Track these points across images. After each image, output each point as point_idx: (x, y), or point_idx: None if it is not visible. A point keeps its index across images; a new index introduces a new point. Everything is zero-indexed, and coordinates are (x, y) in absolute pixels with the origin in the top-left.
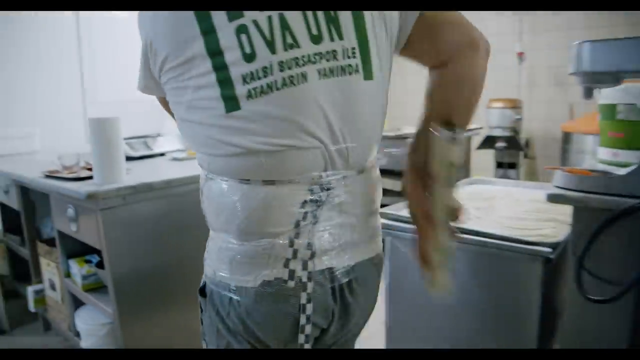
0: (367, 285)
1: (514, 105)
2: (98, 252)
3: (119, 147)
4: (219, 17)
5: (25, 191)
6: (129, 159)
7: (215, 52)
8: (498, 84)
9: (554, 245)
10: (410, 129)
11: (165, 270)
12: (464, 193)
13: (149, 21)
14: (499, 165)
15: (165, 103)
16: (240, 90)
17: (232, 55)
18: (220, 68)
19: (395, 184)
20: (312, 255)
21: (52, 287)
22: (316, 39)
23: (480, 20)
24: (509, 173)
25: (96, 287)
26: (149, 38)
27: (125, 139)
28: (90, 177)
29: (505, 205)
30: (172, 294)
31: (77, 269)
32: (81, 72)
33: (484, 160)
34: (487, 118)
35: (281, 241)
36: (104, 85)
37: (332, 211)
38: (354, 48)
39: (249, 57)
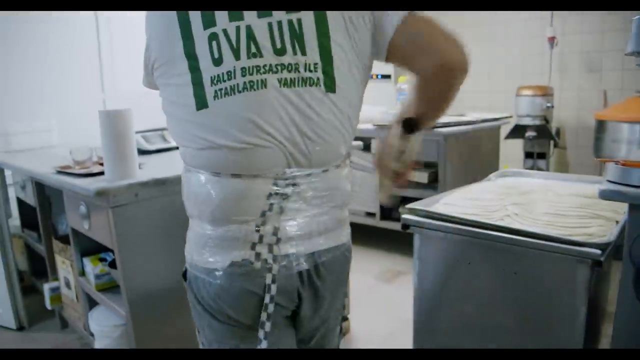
0: (334, 271)
1: (545, 92)
2: (112, 250)
3: (130, 141)
4: (196, 25)
5: (40, 187)
6: (145, 152)
7: (191, 56)
8: (527, 70)
9: (603, 247)
10: None
11: (179, 269)
12: (498, 186)
13: (148, 22)
14: (528, 155)
15: None
16: (209, 90)
17: (203, 60)
18: (194, 70)
19: (421, 176)
20: (278, 241)
21: (67, 285)
22: (279, 52)
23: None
24: (539, 163)
25: (110, 287)
26: (148, 38)
27: (141, 131)
28: (102, 173)
29: (545, 201)
30: (185, 293)
31: (91, 267)
32: (100, 64)
33: (512, 150)
34: (516, 106)
35: (248, 227)
36: (123, 77)
37: (298, 203)
38: (316, 64)
39: (217, 62)
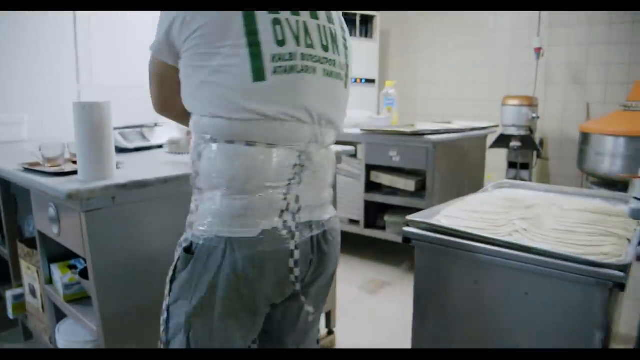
0: (336, 237)
1: (531, 103)
2: (84, 258)
3: (108, 138)
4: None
5: (6, 184)
6: (123, 150)
7: (251, 31)
8: (512, 80)
9: (623, 268)
10: (422, 125)
11: (160, 282)
12: (498, 199)
13: None
14: (511, 165)
15: (166, 71)
16: (269, 65)
17: (266, 37)
18: (254, 44)
19: (408, 184)
20: (299, 209)
21: (33, 293)
22: (325, 48)
23: (493, 14)
24: (522, 174)
25: (81, 298)
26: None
27: (118, 128)
28: (75, 172)
29: (551, 216)
30: None
31: (59, 275)
32: (76, 57)
33: (494, 159)
34: (501, 115)
35: (277, 195)
36: (100, 68)
37: (311, 175)
38: (344, 63)
39: (280, 43)
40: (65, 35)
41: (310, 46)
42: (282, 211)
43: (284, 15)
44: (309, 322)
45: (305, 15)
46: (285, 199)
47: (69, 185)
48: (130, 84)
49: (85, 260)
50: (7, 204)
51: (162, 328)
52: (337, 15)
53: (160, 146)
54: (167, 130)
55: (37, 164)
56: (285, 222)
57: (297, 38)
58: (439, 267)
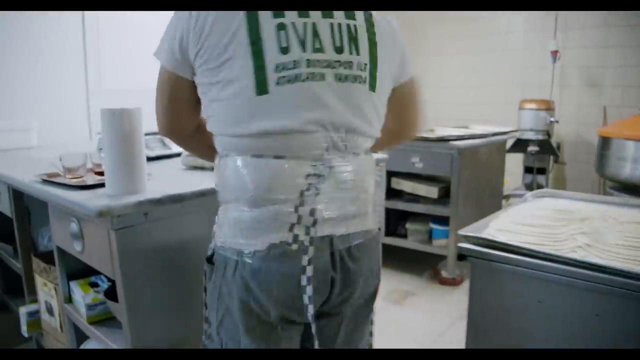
0: (366, 254)
1: (548, 106)
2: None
3: (139, 147)
4: (264, 13)
5: (18, 195)
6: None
7: (255, 40)
8: (526, 83)
9: None
10: (443, 130)
11: (198, 305)
12: (546, 210)
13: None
14: (528, 170)
15: (180, 85)
16: (272, 76)
17: (269, 45)
18: (257, 54)
19: (430, 191)
20: (315, 223)
21: (49, 311)
22: (338, 50)
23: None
24: (538, 179)
25: (105, 319)
26: (194, 18)
27: None
28: (100, 185)
29: (611, 230)
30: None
31: (81, 294)
32: (85, 62)
33: (511, 164)
34: (518, 120)
35: (287, 208)
36: (109, 73)
37: (333, 186)
38: (365, 64)
39: (284, 50)
40: (73, 39)
41: (319, 50)
42: (293, 224)
43: (290, 18)
44: (348, 342)
45: (315, 15)
46: (296, 211)
47: (97, 201)
48: (141, 88)
49: (108, 278)
50: (20, 216)
51: (203, 337)
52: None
53: (179, 154)
54: None
55: (57, 175)
56: (296, 236)
57: (303, 43)
58: (498, 286)
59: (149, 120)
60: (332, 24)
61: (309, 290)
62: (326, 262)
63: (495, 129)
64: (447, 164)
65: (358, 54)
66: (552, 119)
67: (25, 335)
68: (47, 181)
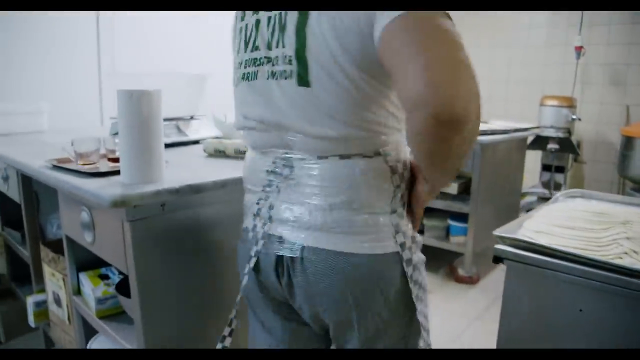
0: (320, 275)
1: (570, 104)
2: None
3: (158, 133)
4: (238, 16)
5: (27, 180)
6: None
7: (234, 41)
8: (547, 80)
9: None
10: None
11: (215, 301)
12: (582, 211)
13: None
14: (545, 168)
15: None
16: (234, 76)
17: (235, 46)
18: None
19: (451, 186)
20: (270, 219)
21: (57, 302)
22: (269, 45)
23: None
24: (557, 177)
25: (115, 314)
26: None
27: None
28: (115, 173)
29: None
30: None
31: (90, 287)
32: (98, 41)
33: (528, 161)
34: (539, 116)
35: (254, 198)
36: (123, 55)
37: (292, 188)
38: (290, 56)
39: (237, 52)
40: (87, 20)
41: (257, 48)
42: (254, 215)
43: (248, 18)
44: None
45: (263, 10)
46: (258, 203)
47: (111, 189)
48: (157, 71)
49: (120, 271)
50: (29, 202)
51: None
52: None
53: (197, 141)
54: (204, 124)
55: (68, 160)
56: (255, 226)
57: (247, 43)
58: (536, 291)
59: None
60: (269, 17)
61: (246, 279)
62: (271, 262)
63: (516, 124)
64: (469, 160)
65: (283, 46)
66: (573, 117)
67: (32, 325)
68: (58, 167)
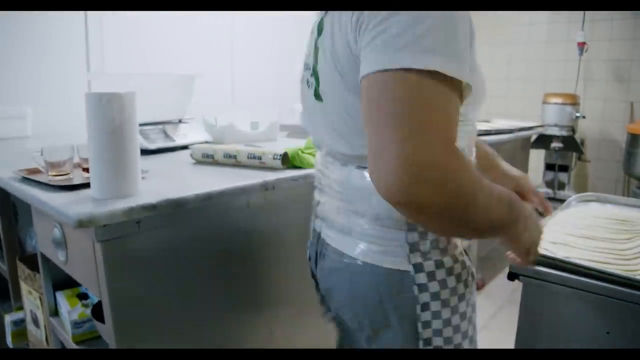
0: (340, 281)
1: (574, 101)
2: None
3: (132, 142)
4: (315, 14)
5: (3, 191)
6: (144, 152)
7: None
8: (548, 78)
9: None
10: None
11: (201, 327)
12: (600, 218)
13: None
14: (549, 167)
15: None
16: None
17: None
18: None
19: None
20: (315, 212)
21: (35, 321)
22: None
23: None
24: (560, 176)
25: (92, 338)
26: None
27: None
28: (87, 185)
29: None
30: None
31: (67, 309)
32: (86, 40)
33: (531, 161)
34: (542, 114)
35: (315, 192)
36: (113, 54)
37: (327, 187)
38: (312, 66)
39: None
40: (75, 18)
41: (309, 53)
42: (315, 208)
43: (314, 20)
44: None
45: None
46: (315, 197)
47: (78, 207)
48: (147, 71)
49: None
50: (6, 214)
51: None
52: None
53: (185, 147)
54: (194, 127)
55: (38, 171)
56: (315, 219)
57: (309, 46)
58: (556, 311)
59: (150, 109)
60: (317, 25)
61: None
62: (312, 251)
63: (520, 123)
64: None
65: (315, 60)
66: (577, 114)
67: (11, 346)
68: (27, 178)
